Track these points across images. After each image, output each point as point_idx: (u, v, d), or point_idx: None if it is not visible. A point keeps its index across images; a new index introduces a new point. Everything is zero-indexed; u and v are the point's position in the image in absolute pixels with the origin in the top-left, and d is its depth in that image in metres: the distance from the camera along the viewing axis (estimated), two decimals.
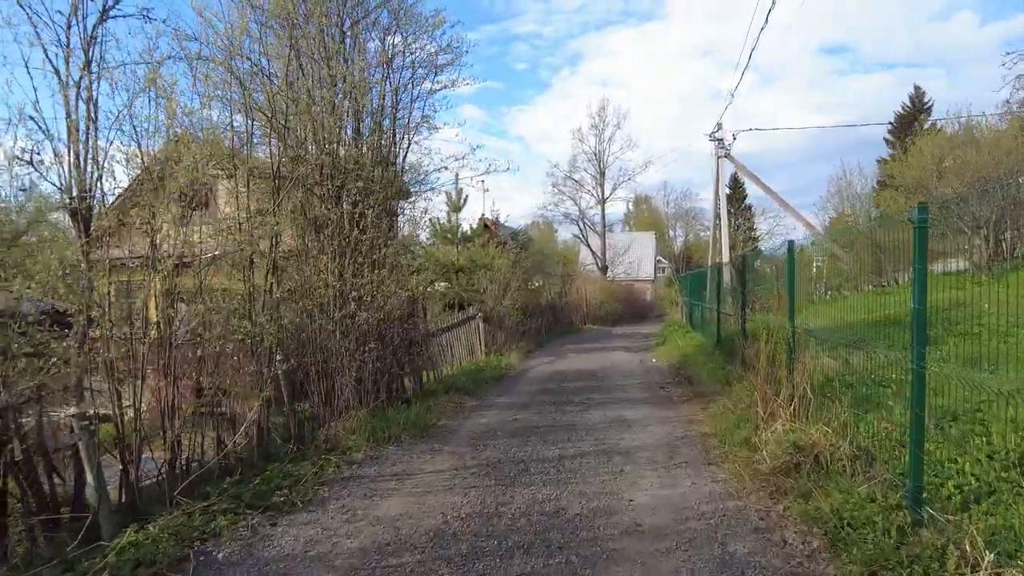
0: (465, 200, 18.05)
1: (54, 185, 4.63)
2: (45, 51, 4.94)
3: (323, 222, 7.21)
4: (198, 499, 4.81)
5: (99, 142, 5.01)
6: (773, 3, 13.08)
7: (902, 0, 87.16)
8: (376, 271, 7.51)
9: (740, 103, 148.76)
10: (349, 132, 8.14)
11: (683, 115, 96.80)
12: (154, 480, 5.14)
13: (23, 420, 4.20)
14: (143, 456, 5.09)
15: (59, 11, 4.94)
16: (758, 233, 54.84)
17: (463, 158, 9.03)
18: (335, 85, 7.29)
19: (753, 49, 34.77)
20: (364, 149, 8.00)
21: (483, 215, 22.59)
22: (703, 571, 3.74)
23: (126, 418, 4.78)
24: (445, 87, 8.98)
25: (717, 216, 27.02)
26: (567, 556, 3.98)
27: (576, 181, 46.08)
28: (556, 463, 6.04)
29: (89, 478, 4.39)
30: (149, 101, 5.24)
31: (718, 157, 27.24)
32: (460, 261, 17.62)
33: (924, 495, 3.96)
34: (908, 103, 41.02)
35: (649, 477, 5.57)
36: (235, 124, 6.51)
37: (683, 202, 63.85)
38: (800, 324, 7.28)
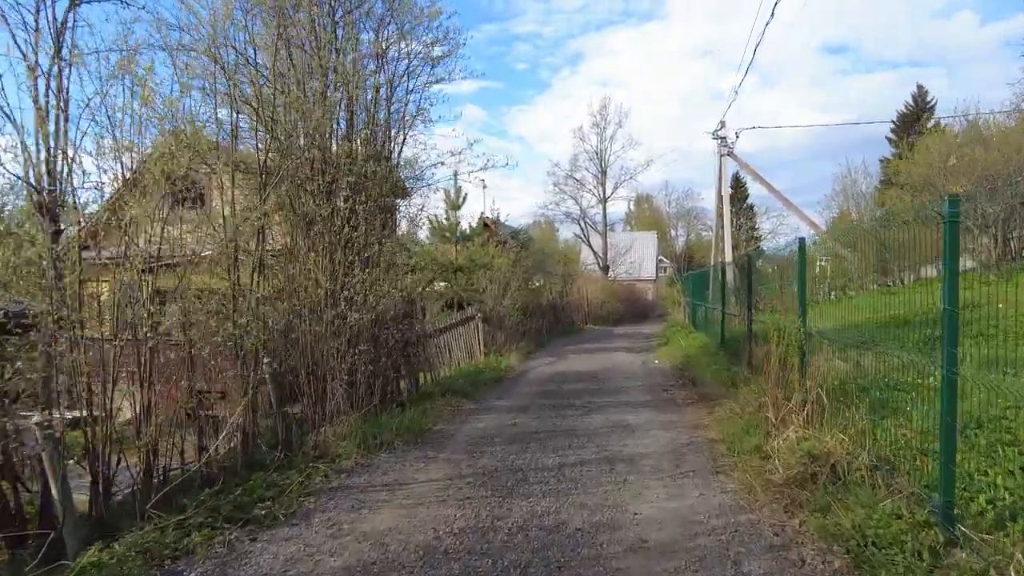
0: (464, 198, 17.75)
1: (17, 177, 4.31)
2: (13, 35, 4.64)
3: (313, 218, 6.89)
4: (174, 512, 4.51)
5: (69, 133, 4.73)
6: None
7: None
8: (368, 270, 7.19)
9: (742, 103, 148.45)
10: (343, 125, 7.83)
11: (683, 115, 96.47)
12: (130, 491, 4.85)
13: None
14: (120, 465, 4.80)
15: None
16: (761, 233, 54.52)
17: (460, 153, 8.73)
18: (326, 76, 6.98)
19: (758, 44, 34.37)
20: (357, 143, 7.69)
21: (482, 213, 22.28)
22: None
23: (97, 425, 4.48)
24: (441, 80, 8.68)
25: (720, 215, 26.68)
26: None
27: (577, 180, 45.80)
28: (556, 472, 5.73)
29: (53, 490, 4.09)
30: (124, 90, 4.94)
31: (721, 155, 26.90)
32: (459, 260, 17.31)
33: (955, 511, 3.65)
34: (911, 102, 40.72)
35: (654, 487, 5.26)
36: (220, 116, 6.20)
37: (685, 202, 63.57)
38: (809, 325, 6.99)
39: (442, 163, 8.69)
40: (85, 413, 4.50)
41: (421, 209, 9.76)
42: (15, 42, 4.61)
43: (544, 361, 15.37)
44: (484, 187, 23.71)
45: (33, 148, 4.55)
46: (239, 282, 6.05)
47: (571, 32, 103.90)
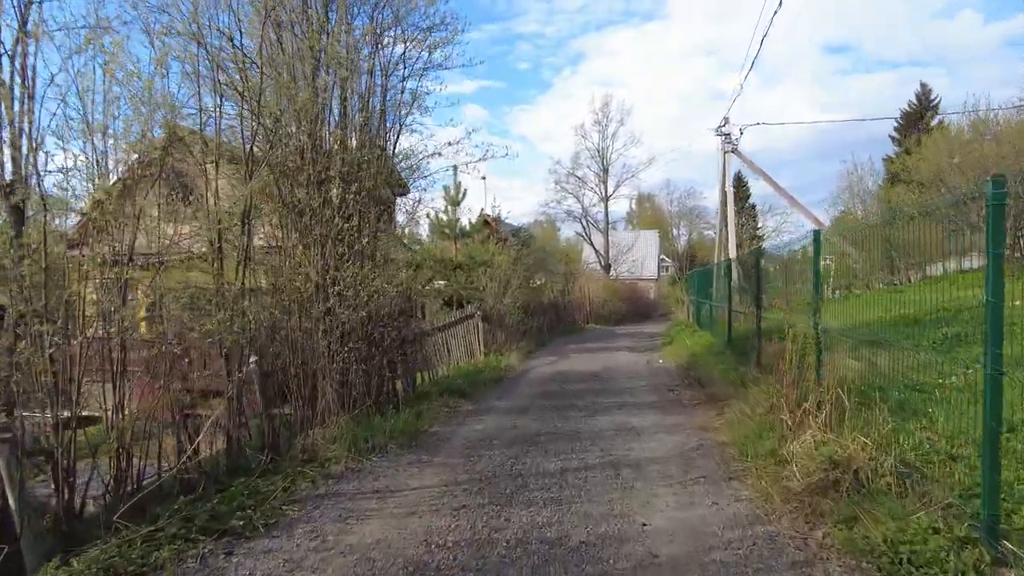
0: (464, 194, 17.43)
1: None
2: None
3: (302, 209, 6.55)
4: (146, 522, 4.17)
5: (36, 114, 4.38)
6: None
7: None
8: (361, 264, 6.84)
9: (743, 103, 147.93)
10: (336, 112, 7.49)
11: (684, 115, 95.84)
12: (102, 499, 4.51)
13: None
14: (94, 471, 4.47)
15: None
16: (764, 232, 54.13)
17: (458, 143, 8.36)
18: (316, 59, 6.63)
19: (765, 36, 33.65)
20: (349, 131, 7.34)
21: (482, 210, 21.93)
22: None
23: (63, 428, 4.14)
24: (438, 66, 8.32)
25: (724, 212, 26.32)
26: None
27: (579, 178, 45.50)
28: (558, 478, 5.38)
29: (11, 500, 3.75)
30: (96, 68, 4.59)
31: (725, 152, 26.55)
32: (458, 257, 16.96)
33: (1000, 525, 3.31)
34: (915, 100, 40.46)
35: (663, 495, 4.91)
36: (202, 100, 5.85)
37: (687, 200, 63.12)
38: (819, 323, 6.65)
39: (439, 153, 8.34)
40: (54, 415, 4.17)
41: (418, 202, 9.40)
42: None
43: (545, 360, 15.03)
44: (483, 179, 23.43)
45: None
46: (223, 275, 5.71)
47: (573, 32, 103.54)
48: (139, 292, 5.49)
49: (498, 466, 5.76)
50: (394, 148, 8.19)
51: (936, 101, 39.18)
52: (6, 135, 4.30)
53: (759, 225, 55.39)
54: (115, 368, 4.54)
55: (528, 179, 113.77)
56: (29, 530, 3.73)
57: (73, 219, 5.17)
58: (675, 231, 64.06)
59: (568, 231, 47.04)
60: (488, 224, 21.41)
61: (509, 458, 6.02)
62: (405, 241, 16.90)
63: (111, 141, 4.23)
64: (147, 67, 4.79)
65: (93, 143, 4.50)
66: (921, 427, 5.56)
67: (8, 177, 4.24)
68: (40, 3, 4.49)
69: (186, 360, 5.09)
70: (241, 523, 4.29)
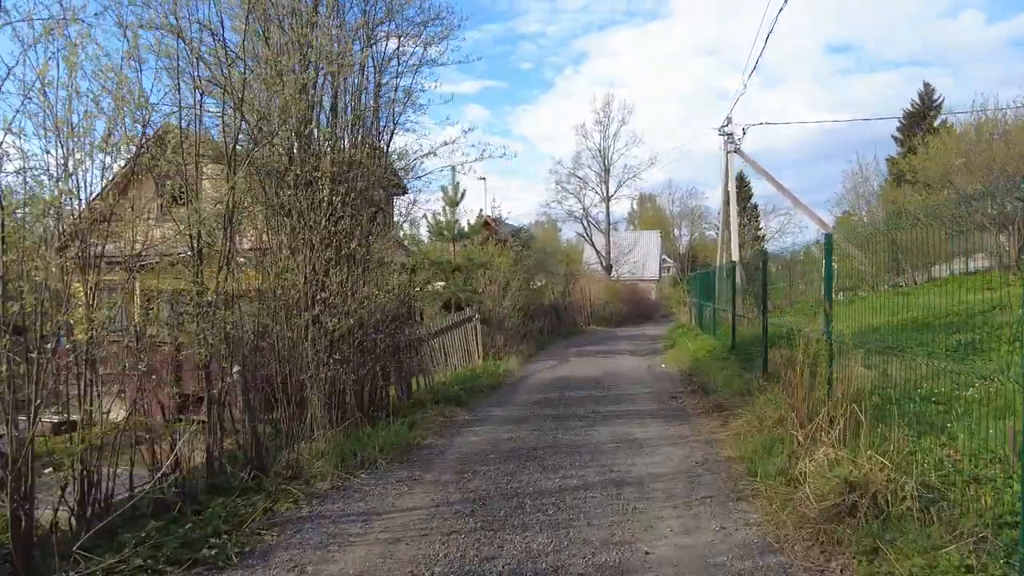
0: (462, 195, 17.09)
1: None
2: None
3: (288, 211, 6.25)
4: (112, 551, 3.87)
5: None
6: None
7: None
8: (350, 269, 6.54)
9: (745, 103, 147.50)
10: (327, 109, 7.19)
11: (685, 115, 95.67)
12: (66, 525, 4.21)
13: None
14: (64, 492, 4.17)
15: None
16: (767, 233, 53.83)
17: (454, 142, 8.06)
18: (303, 52, 6.32)
19: (770, 32, 33.34)
20: (340, 129, 7.04)
21: (481, 210, 21.63)
22: None
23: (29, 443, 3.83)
24: (433, 62, 8.03)
25: (727, 213, 26.00)
26: None
27: (580, 178, 45.23)
28: (556, 497, 5.08)
29: None
30: (59, 63, 4.28)
31: (727, 152, 26.24)
32: (457, 259, 16.66)
33: None
34: (917, 100, 40.11)
35: (667, 518, 4.60)
36: (181, 95, 5.55)
37: (688, 201, 62.83)
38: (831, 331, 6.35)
39: (434, 153, 8.04)
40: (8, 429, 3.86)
41: (412, 203, 9.11)
42: None
43: (545, 365, 14.72)
44: (483, 179, 23.06)
45: None
46: (203, 281, 5.41)
47: (575, 32, 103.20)
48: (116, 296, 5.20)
49: (493, 484, 5.45)
50: (388, 147, 7.89)
51: (939, 101, 38.85)
52: None
53: (761, 226, 55.08)
54: (82, 377, 4.24)
55: (529, 179, 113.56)
56: None
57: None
58: (677, 232, 63.79)
59: (569, 232, 46.80)
60: (488, 225, 21.11)
61: (505, 475, 5.71)
62: (406, 243, 16.65)
63: (74, 140, 3.92)
64: (124, 62, 4.48)
65: (59, 141, 4.20)
66: (940, 444, 5.25)
67: None
68: None
69: (164, 371, 4.78)
70: (214, 552, 3.98)
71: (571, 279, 28.27)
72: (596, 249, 45.26)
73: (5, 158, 3.80)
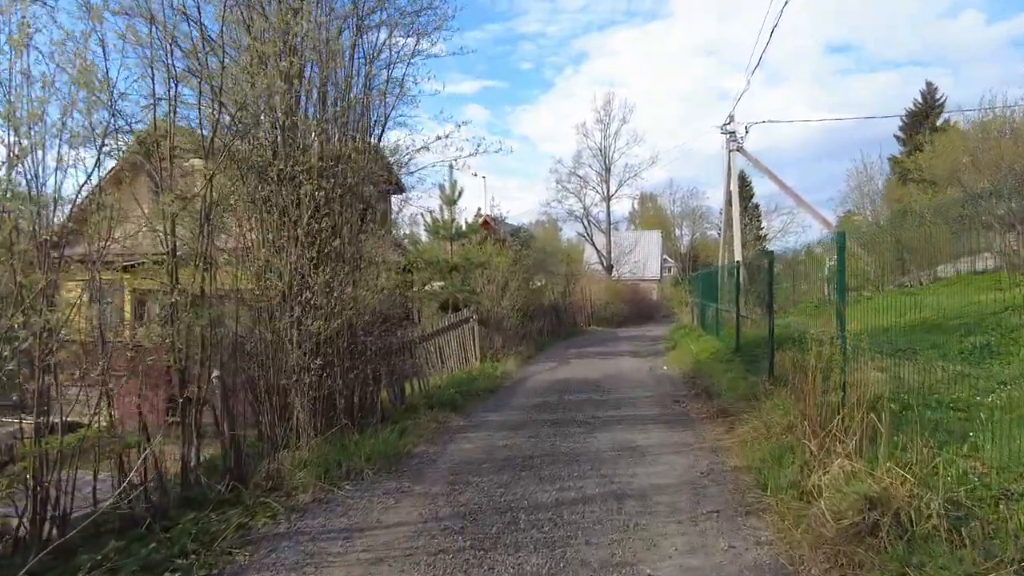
0: (460, 193, 16.73)
1: None
2: None
3: (270, 207, 5.93)
4: (66, 574, 3.55)
5: None
6: None
7: None
8: (335, 267, 6.20)
9: (746, 103, 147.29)
10: (316, 101, 6.85)
11: (685, 116, 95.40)
12: (18, 544, 3.88)
13: None
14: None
15: None
16: (769, 232, 53.52)
17: (447, 137, 7.73)
18: (287, 42, 5.99)
19: (775, 27, 32.84)
20: (328, 122, 6.71)
21: (479, 209, 21.28)
22: None
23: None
24: (428, 53, 7.69)
25: (729, 212, 25.67)
26: None
27: (581, 177, 44.88)
28: (552, 512, 4.74)
29: None
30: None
31: (730, 151, 25.94)
32: (454, 259, 16.32)
33: None
34: (920, 99, 39.81)
35: (671, 536, 4.27)
36: (155, 85, 5.23)
37: (689, 201, 62.50)
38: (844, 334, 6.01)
39: (427, 148, 7.71)
40: None
41: (404, 201, 8.78)
42: None
43: (545, 367, 14.39)
44: (474, 175, 22.83)
45: None
46: (174, 281, 5.09)
47: (575, 32, 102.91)
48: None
49: (485, 497, 5.12)
50: (379, 141, 7.56)
51: (942, 100, 38.64)
52: None
53: (763, 226, 54.75)
54: (36, 382, 3.91)
55: (529, 179, 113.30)
56: None
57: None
58: (678, 231, 63.45)
59: (570, 231, 46.42)
60: (486, 224, 20.78)
61: (498, 486, 5.38)
62: (405, 242, 16.32)
63: (27, 125, 3.59)
64: (84, 44, 4.15)
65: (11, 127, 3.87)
66: (963, 455, 4.91)
67: None
68: None
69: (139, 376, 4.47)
70: (177, 575, 3.66)
71: (571, 279, 27.93)
72: (597, 249, 44.91)
73: None
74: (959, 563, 3.24)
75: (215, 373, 5.55)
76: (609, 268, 43.64)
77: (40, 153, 3.64)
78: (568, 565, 3.83)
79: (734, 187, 25.89)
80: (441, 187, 16.23)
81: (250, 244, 6.10)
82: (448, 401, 9.05)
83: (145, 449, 4.39)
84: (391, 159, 8.19)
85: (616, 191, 45.48)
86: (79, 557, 3.75)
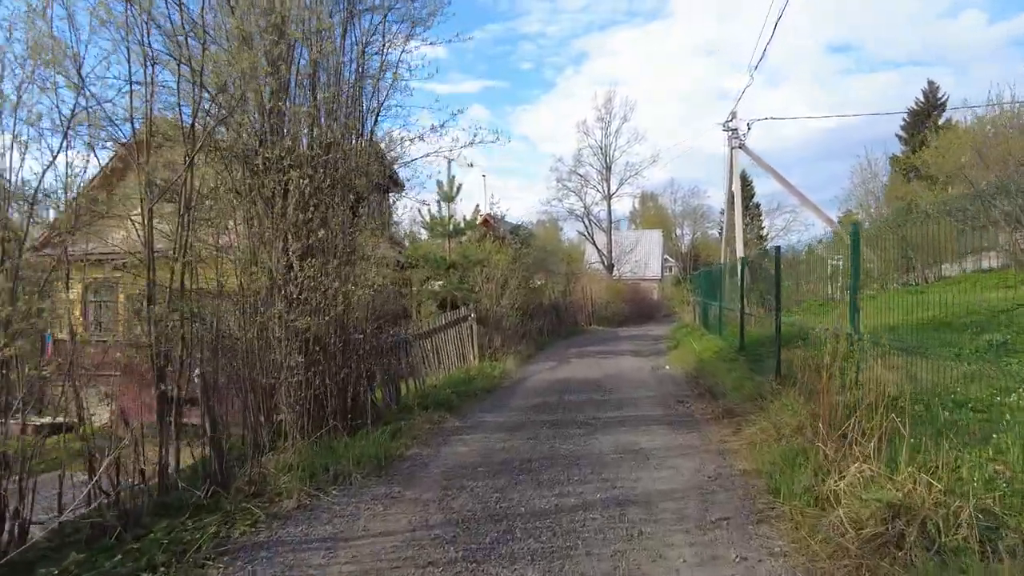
0: (458, 189, 16.43)
1: None
2: None
3: (254, 198, 5.63)
4: None
5: None
6: None
7: None
8: (324, 263, 5.89)
9: (746, 103, 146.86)
10: (306, 88, 6.56)
11: (686, 115, 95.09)
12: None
13: None
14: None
15: None
16: (769, 231, 53.24)
17: (442, 127, 7.44)
18: (272, 23, 5.70)
19: (778, 20, 32.56)
20: (315, 109, 6.41)
21: (477, 206, 20.96)
22: None
23: None
24: (423, 38, 7.41)
25: (731, 211, 25.38)
26: None
27: (581, 176, 44.54)
28: (551, 519, 4.45)
29: None
30: None
31: (732, 149, 25.63)
32: (452, 256, 16.03)
33: None
34: (921, 99, 39.57)
35: (678, 546, 3.97)
36: (131, 67, 4.93)
37: (690, 200, 62.25)
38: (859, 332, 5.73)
39: (421, 138, 7.42)
40: None
41: (398, 196, 8.47)
42: None
43: (544, 366, 14.09)
44: (470, 165, 22.45)
45: None
46: (154, 276, 4.81)
47: (576, 32, 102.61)
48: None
49: (480, 503, 4.82)
50: (371, 130, 7.27)
51: (944, 99, 38.45)
52: None
53: (764, 225, 54.48)
54: None
55: (529, 179, 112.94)
56: None
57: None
58: (679, 231, 63.16)
59: (570, 231, 46.07)
60: (485, 222, 20.47)
61: (494, 492, 5.08)
62: (405, 241, 16.04)
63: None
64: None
65: None
66: (988, 458, 4.62)
67: None
68: None
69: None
70: None
71: (572, 278, 27.64)
72: (597, 248, 44.58)
73: None
74: None
75: (196, 372, 5.26)
76: (610, 267, 43.32)
77: None
78: None
79: (736, 185, 25.59)
80: (439, 183, 15.97)
81: (235, 235, 5.81)
82: (444, 401, 8.75)
83: (112, 451, 4.08)
84: (385, 150, 7.90)
85: (617, 190, 45.18)
86: (36, 572, 3.46)
